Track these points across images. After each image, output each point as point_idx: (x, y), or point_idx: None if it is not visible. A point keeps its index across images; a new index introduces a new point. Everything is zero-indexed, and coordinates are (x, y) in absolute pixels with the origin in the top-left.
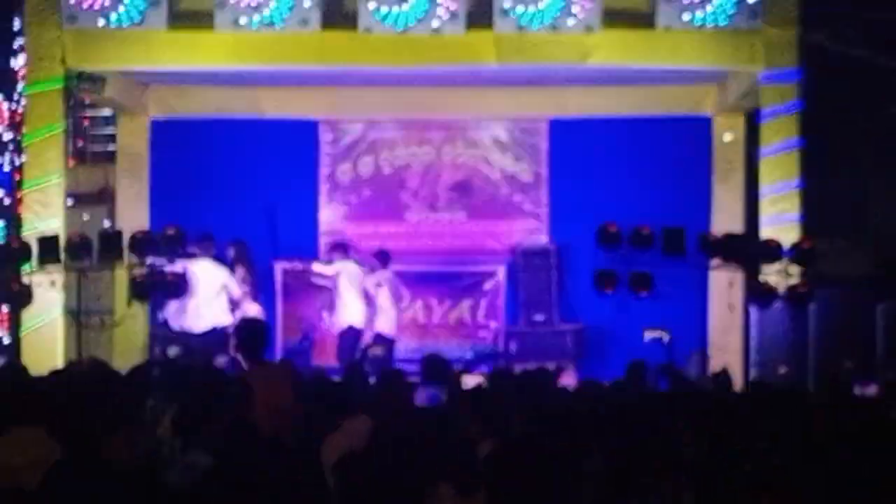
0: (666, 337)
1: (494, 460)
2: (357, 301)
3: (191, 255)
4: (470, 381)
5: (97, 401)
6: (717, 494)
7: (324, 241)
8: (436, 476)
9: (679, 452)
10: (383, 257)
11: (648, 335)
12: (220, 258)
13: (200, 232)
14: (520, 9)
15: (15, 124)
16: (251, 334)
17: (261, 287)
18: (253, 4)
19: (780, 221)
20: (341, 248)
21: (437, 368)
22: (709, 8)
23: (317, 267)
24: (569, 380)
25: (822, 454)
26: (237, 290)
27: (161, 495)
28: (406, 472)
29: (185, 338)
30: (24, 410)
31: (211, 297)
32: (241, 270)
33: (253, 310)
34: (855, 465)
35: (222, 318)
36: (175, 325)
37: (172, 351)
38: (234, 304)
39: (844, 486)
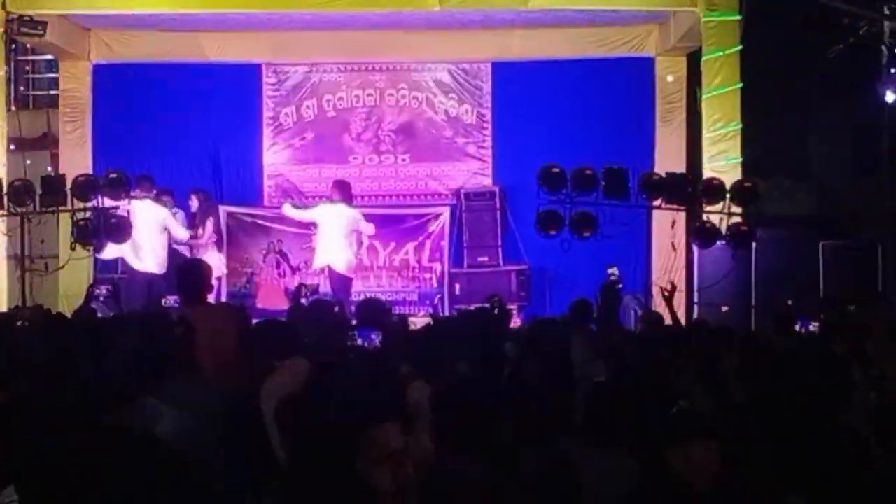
0: (616, 273)
1: (437, 399)
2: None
3: (131, 197)
4: (417, 322)
5: (42, 347)
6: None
7: (267, 185)
8: (380, 415)
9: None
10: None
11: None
12: (161, 200)
13: (139, 173)
14: None
15: None
16: (192, 275)
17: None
18: None
19: (723, 161)
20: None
21: (373, 312)
22: None
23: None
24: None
25: (761, 393)
26: (181, 232)
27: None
28: (348, 413)
29: (127, 278)
30: None
31: (152, 237)
32: (209, 222)
33: (215, 259)
34: (797, 402)
35: (163, 259)
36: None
37: (102, 290)
38: (191, 251)
39: (786, 423)
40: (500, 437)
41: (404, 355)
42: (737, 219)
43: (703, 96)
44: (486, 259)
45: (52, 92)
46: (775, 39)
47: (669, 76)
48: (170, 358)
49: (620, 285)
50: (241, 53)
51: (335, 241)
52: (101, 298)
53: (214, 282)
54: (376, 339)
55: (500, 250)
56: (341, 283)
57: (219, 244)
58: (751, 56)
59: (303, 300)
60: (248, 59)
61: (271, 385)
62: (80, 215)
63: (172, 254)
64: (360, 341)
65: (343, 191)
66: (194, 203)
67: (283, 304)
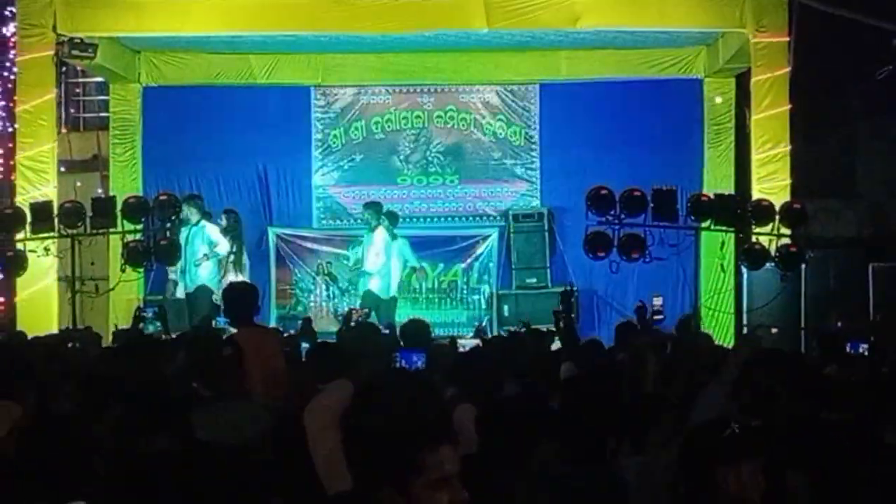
0: (660, 302)
1: (483, 420)
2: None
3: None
4: (467, 343)
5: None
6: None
7: (316, 206)
8: (436, 439)
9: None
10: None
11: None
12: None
13: (188, 192)
14: None
15: (7, 92)
16: (240, 297)
17: (253, 253)
18: None
19: (771, 183)
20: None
21: (416, 333)
22: None
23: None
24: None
25: (810, 414)
26: (225, 246)
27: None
28: (402, 436)
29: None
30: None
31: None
32: (226, 239)
33: (231, 277)
34: (845, 426)
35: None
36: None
37: (149, 312)
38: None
39: (832, 446)
40: (546, 457)
41: (451, 377)
42: (786, 240)
43: (752, 118)
44: (534, 280)
45: (102, 114)
46: (824, 61)
47: (718, 97)
48: (218, 378)
49: (662, 316)
50: (291, 76)
51: (370, 264)
52: (149, 319)
53: None
54: (418, 360)
55: (548, 272)
56: (377, 305)
57: (236, 264)
58: (799, 77)
59: (353, 324)
60: (297, 82)
61: (315, 406)
62: (130, 237)
63: None
64: (402, 363)
65: (375, 212)
66: (223, 221)
67: (333, 327)
